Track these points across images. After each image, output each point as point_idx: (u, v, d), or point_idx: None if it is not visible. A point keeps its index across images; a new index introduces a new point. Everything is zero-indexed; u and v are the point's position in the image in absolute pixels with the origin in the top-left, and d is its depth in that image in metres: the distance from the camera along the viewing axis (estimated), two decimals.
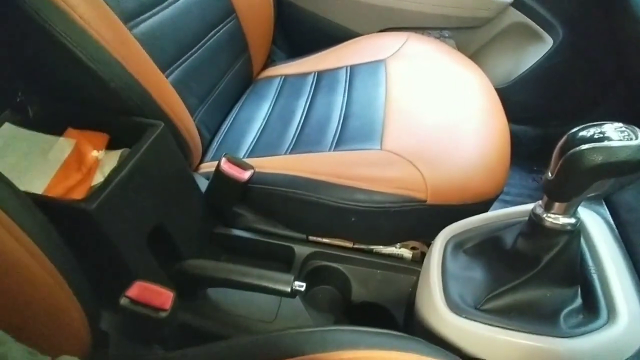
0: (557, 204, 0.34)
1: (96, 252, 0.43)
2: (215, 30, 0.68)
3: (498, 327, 0.36)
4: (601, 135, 0.28)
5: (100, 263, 0.44)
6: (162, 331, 0.41)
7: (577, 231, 0.35)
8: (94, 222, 0.39)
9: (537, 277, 0.36)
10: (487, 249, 0.42)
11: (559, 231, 0.34)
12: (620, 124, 0.29)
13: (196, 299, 0.54)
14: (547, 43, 0.91)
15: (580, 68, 0.88)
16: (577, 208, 0.34)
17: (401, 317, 0.56)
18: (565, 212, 0.34)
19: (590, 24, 0.83)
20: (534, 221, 0.35)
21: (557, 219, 0.34)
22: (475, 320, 0.36)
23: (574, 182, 0.31)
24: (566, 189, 0.32)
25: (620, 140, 0.28)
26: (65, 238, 0.36)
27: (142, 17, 0.54)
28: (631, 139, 0.28)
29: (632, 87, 0.75)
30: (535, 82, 0.96)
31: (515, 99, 0.90)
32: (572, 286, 0.37)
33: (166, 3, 0.58)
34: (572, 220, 0.34)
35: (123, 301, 0.38)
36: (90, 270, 0.38)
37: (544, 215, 0.34)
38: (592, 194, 0.31)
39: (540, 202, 0.35)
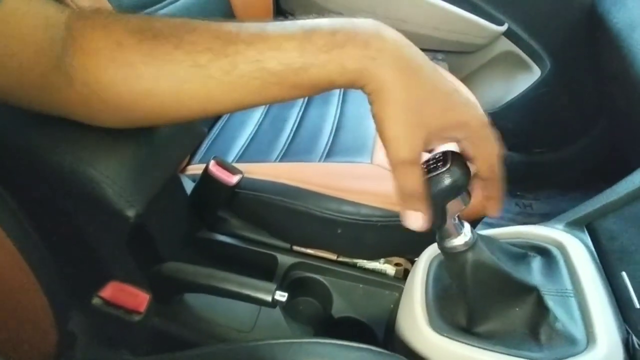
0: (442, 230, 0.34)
1: (72, 250, 0.41)
2: None
3: (479, 347, 0.35)
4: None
5: (75, 260, 0.42)
6: (134, 335, 0.39)
7: (476, 246, 0.35)
8: (72, 218, 0.38)
9: (481, 300, 0.36)
10: None
11: (458, 252, 0.34)
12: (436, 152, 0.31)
13: (172, 303, 0.52)
14: (535, 73, 0.94)
15: (566, 99, 0.92)
16: (462, 227, 0.34)
17: (382, 333, 0.55)
18: (452, 235, 0.34)
19: (577, 57, 0.87)
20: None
21: (450, 242, 0.34)
22: (456, 340, 0.36)
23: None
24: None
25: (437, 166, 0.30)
26: (39, 233, 0.34)
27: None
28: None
29: (614, 119, 0.78)
30: (522, 109, 0.99)
31: (502, 125, 0.92)
32: (526, 298, 0.37)
33: (165, 2, 0.58)
34: (466, 239, 0.34)
35: (95, 301, 0.37)
36: (63, 267, 0.36)
37: (441, 242, 0.35)
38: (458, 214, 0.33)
39: None
